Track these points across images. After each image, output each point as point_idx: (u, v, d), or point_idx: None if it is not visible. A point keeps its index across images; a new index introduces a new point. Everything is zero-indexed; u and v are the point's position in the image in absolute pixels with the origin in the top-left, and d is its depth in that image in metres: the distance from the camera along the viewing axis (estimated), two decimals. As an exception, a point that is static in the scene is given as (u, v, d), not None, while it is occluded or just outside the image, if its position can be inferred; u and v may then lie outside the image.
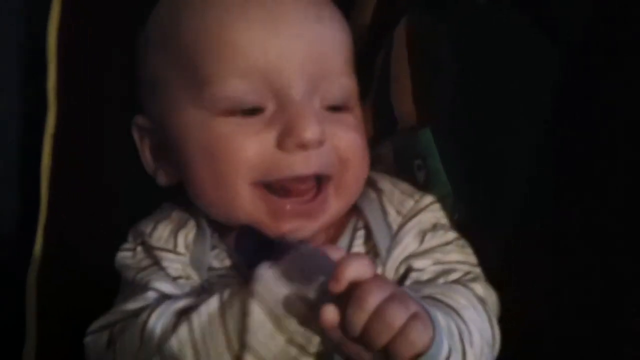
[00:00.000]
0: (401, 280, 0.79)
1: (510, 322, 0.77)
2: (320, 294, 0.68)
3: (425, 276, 0.79)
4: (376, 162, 0.86)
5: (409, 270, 0.79)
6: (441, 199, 0.84)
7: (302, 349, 0.69)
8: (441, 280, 0.78)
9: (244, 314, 0.69)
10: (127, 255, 0.83)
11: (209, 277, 0.80)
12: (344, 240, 0.81)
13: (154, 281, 0.78)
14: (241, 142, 0.77)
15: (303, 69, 0.78)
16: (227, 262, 0.81)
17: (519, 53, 0.82)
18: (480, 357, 0.73)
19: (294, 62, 0.78)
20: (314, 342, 0.69)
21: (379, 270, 0.78)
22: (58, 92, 0.94)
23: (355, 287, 0.64)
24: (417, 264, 0.79)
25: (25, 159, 0.96)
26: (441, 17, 0.86)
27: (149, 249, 0.82)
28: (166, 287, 0.78)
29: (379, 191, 0.84)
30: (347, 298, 0.64)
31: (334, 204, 0.80)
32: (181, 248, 0.82)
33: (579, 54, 0.79)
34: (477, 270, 0.80)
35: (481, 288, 0.78)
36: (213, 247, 0.82)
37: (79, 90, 0.95)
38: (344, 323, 0.64)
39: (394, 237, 0.80)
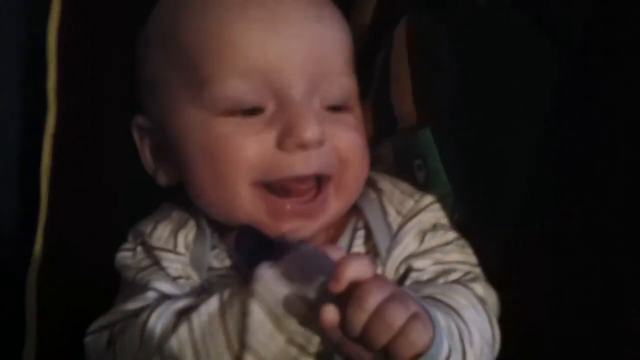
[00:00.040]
0: (401, 280, 0.79)
1: (510, 322, 0.77)
2: (320, 294, 0.68)
3: (425, 276, 0.79)
4: (376, 162, 0.86)
5: (409, 270, 0.79)
6: (441, 199, 0.84)
7: (302, 349, 0.69)
8: (441, 280, 0.78)
9: (244, 314, 0.69)
10: (127, 255, 0.83)
11: (209, 277, 0.80)
12: (344, 240, 0.81)
13: (154, 281, 0.78)
14: (241, 142, 0.77)
15: (303, 69, 0.78)
16: (227, 262, 0.81)
17: (519, 53, 0.82)
18: (480, 357, 0.73)
19: (294, 62, 0.78)
20: (314, 342, 0.69)
21: (379, 271, 0.78)
22: (58, 92, 0.94)
23: (355, 287, 0.64)
24: (417, 264, 0.79)
25: (25, 159, 0.96)
26: (441, 17, 0.86)
27: (149, 249, 0.82)
28: (166, 287, 0.78)
29: (379, 191, 0.84)
30: (347, 298, 0.64)
31: (334, 204, 0.80)
32: (181, 248, 0.82)
33: (579, 54, 0.79)
34: (477, 270, 0.80)
35: (481, 288, 0.78)
36: (213, 247, 0.82)
37: (79, 90, 0.95)
38: (344, 323, 0.64)
39: (394, 237, 0.80)
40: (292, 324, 0.69)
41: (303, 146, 0.76)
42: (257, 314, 0.69)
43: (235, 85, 0.77)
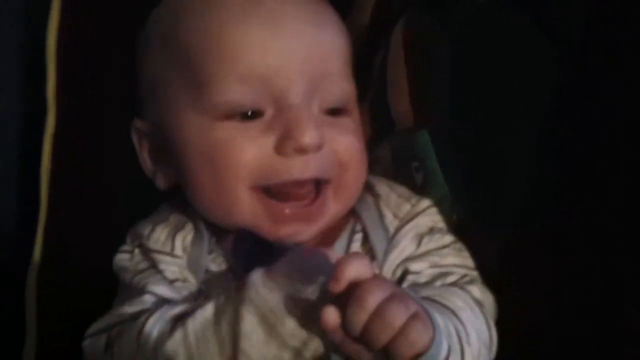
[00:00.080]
0: (398, 283, 0.79)
1: (509, 322, 0.77)
2: (319, 295, 0.68)
3: (422, 279, 0.79)
4: (374, 164, 0.86)
5: (405, 273, 0.79)
6: (439, 201, 0.84)
7: (297, 353, 0.69)
8: (438, 283, 0.78)
9: (236, 320, 0.69)
10: (125, 258, 0.83)
11: (206, 280, 0.80)
12: (341, 243, 0.81)
13: (150, 284, 0.78)
14: (240, 146, 0.77)
15: (302, 73, 0.78)
16: (224, 266, 0.81)
17: (519, 53, 0.82)
18: (478, 357, 0.73)
19: (293, 67, 0.78)
20: (310, 346, 0.69)
21: (376, 273, 0.78)
22: (58, 92, 0.94)
23: (355, 287, 0.64)
24: (414, 266, 0.79)
25: (25, 159, 0.96)
26: (441, 17, 0.87)
27: (147, 252, 0.82)
28: (163, 290, 0.78)
29: (376, 195, 0.84)
30: (346, 298, 0.64)
31: (333, 207, 0.80)
32: (178, 251, 0.82)
33: (579, 54, 0.79)
34: (474, 274, 0.80)
35: (478, 290, 0.78)
36: (210, 251, 0.81)
37: (79, 91, 0.95)
38: (344, 323, 0.64)
39: (391, 241, 0.80)
40: (287, 328, 0.68)
41: (302, 151, 0.76)
42: (249, 320, 0.69)
43: (235, 90, 0.77)
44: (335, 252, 0.70)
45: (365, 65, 0.90)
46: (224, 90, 0.77)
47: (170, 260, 0.81)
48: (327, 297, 0.66)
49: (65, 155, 0.94)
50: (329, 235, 0.81)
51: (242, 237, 0.79)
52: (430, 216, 0.83)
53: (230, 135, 0.77)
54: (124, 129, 0.86)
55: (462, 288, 0.77)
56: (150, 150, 0.85)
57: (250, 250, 0.77)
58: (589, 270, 0.76)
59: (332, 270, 0.65)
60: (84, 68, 0.95)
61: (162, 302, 0.76)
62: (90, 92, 0.95)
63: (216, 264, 0.81)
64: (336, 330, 0.64)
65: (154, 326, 0.73)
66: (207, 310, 0.71)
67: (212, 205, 0.80)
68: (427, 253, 0.80)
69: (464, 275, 0.79)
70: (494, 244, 0.82)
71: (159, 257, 0.81)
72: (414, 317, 0.64)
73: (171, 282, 0.79)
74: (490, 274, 0.80)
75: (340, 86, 0.81)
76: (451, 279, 0.78)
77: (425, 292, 0.75)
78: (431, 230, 0.81)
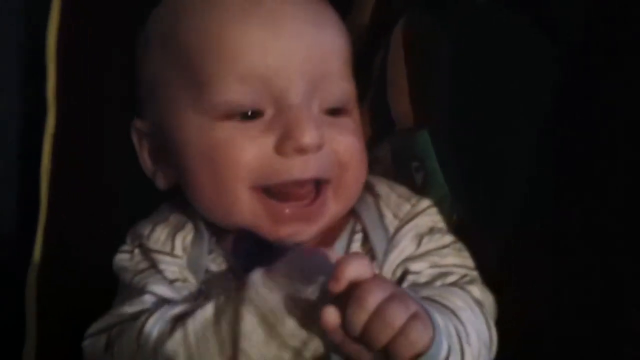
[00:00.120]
0: (398, 283, 0.79)
1: (510, 322, 0.77)
2: (319, 294, 0.68)
3: (422, 279, 0.79)
4: (374, 164, 0.86)
5: (405, 273, 0.79)
6: (439, 201, 0.84)
7: (297, 353, 0.69)
8: (438, 283, 0.78)
9: (236, 321, 0.69)
10: (125, 258, 0.83)
11: (206, 280, 0.80)
12: (341, 243, 0.81)
13: (150, 284, 0.78)
14: (240, 146, 0.77)
15: (302, 73, 0.78)
16: (224, 266, 0.81)
17: (519, 53, 0.82)
18: (478, 357, 0.73)
19: (293, 67, 0.78)
20: (310, 346, 0.69)
21: (376, 273, 0.78)
22: (58, 92, 0.94)
23: (355, 287, 0.64)
24: (414, 266, 0.79)
25: (25, 159, 0.96)
26: (441, 17, 0.86)
27: (146, 252, 0.82)
28: (163, 290, 0.78)
29: (376, 195, 0.84)
30: (346, 298, 0.64)
31: (333, 207, 0.80)
32: (178, 251, 0.82)
33: (579, 54, 0.79)
34: (474, 274, 0.80)
35: (478, 291, 0.78)
36: (210, 251, 0.81)
37: (79, 91, 0.95)
38: (344, 323, 0.64)
39: (391, 240, 0.80)
40: (287, 328, 0.68)
41: (302, 151, 0.76)
42: (249, 320, 0.69)
43: (235, 90, 0.77)
44: (335, 252, 0.70)
45: (365, 65, 0.90)
46: (224, 90, 0.77)
47: (170, 260, 0.81)
48: (327, 297, 0.66)
49: (65, 155, 0.94)
50: (329, 235, 0.81)
51: (242, 237, 0.79)
52: (430, 216, 0.83)
53: (230, 135, 0.77)
54: (124, 129, 0.86)
55: (462, 288, 0.77)
56: (150, 150, 0.85)
57: (250, 250, 0.77)
58: (589, 270, 0.76)
59: (332, 270, 0.65)
60: (84, 68, 0.95)
61: (162, 302, 0.76)
62: (90, 92, 0.95)
63: (216, 264, 0.81)
64: (336, 330, 0.64)
65: (154, 326, 0.73)
66: (207, 310, 0.71)
67: (212, 205, 0.80)
68: (427, 253, 0.80)
69: (464, 275, 0.79)
70: (494, 244, 0.82)
71: (159, 257, 0.81)
72: (414, 317, 0.64)
73: (171, 282, 0.79)
74: (490, 274, 0.80)
75: (340, 86, 0.81)
76: (451, 279, 0.78)
77: (425, 292, 0.75)
78: (431, 230, 0.81)
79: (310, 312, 0.67)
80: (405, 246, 0.80)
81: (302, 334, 0.68)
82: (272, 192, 0.78)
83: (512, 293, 0.79)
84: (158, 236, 0.83)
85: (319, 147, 0.77)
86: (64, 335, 0.90)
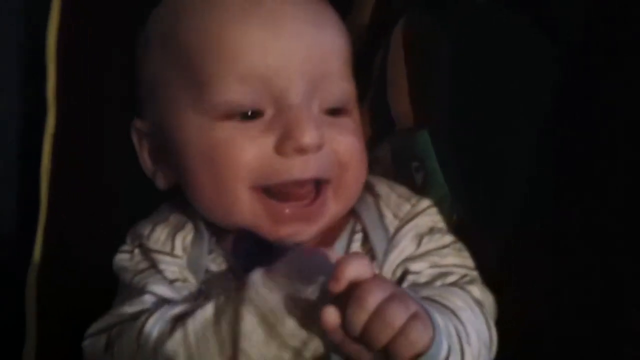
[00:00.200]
0: (398, 283, 0.79)
1: (510, 322, 0.77)
2: (319, 294, 0.68)
3: (422, 279, 0.79)
4: (374, 164, 0.86)
5: (405, 273, 0.79)
6: (439, 201, 0.84)
7: (297, 353, 0.69)
8: (438, 283, 0.78)
9: (236, 320, 0.69)
10: (125, 258, 0.83)
11: (206, 280, 0.80)
12: (341, 243, 0.81)
13: (150, 284, 0.78)
14: (240, 146, 0.77)
15: (302, 73, 0.78)
16: (224, 266, 0.81)
17: (519, 53, 0.82)
18: (478, 357, 0.73)
19: (293, 67, 0.78)
20: (310, 346, 0.68)
21: (376, 273, 0.78)
22: (58, 92, 0.94)
23: (354, 287, 0.64)
24: (414, 266, 0.79)
25: (25, 159, 0.96)
26: (441, 17, 0.86)
27: (146, 252, 0.82)
28: (163, 290, 0.78)
29: (376, 195, 0.84)
30: (346, 298, 0.64)
31: (333, 207, 0.80)
32: (178, 251, 0.82)
33: (579, 54, 0.79)
34: (474, 274, 0.80)
35: (478, 291, 0.78)
36: (210, 251, 0.81)
37: (79, 91, 0.95)
38: (344, 323, 0.64)
39: (391, 240, 0.80)
40: (287, 328, 0.68)
41: (302, 151, 0.76)
42: (249, 320, 0.69)
43: (235, 90, 0.77)
44: (335, 252, 0.70)
45: (365, 65, 0.90)
46: (224, 90, 0.77)
47: (170, 260, 0.81)
48: (327, 297, 0.66)
49: (65, 155, 0.94)
50: (329, 235, 0.81)
51: (242, 237, 0.79)
52: (430, 216, 0.83)
53: (230, 135, 0.77)
54: (124, 129, 0.86)
55: (462, 288, 0.77)
56: (150, 150, 0.85)
57: (250, 250, 0.77)
58: (589, 270, 0.76)
59: (332, 270, 0.65)
60: (84, 68, 0.95)
61: (162, 302, 0.76)
62: (90, 92, 0.95)
63: (216, 264, 0.81)
64: (336, 330, 0.64)
65: (154, 326, 0.73)
66: (207, 310, 0.71)
67: (212, 205, 0.80)
68: (427, 253, 0.80)
69: (464, 275, 0.79)
70: (494, 244, 0.82)
71: (159, 257, 0.81)
72: (414, 317, 0.64)
73: (171, 282, 0.79)
74: (490, 274, 0.80)
75: (340, 86, 0.81)
76: (451, 279, 0.78)
77: (425, 292, 0.75)
78: (431, 231, 0.81)
79: (310, 312, 0.67)
80: (405, 246, 0.80)
81: (302, 334, 0.68)
82: (272, 192, 0.78)
83: (512, 293, 0.79)
84: (158, 236, 0.83)
85: (319, 147, 0.77)
86: (64, 335, 0.90)
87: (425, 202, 0.83)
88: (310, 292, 0.68)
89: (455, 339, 0.70)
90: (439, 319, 0.68)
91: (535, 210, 0.81)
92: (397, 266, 0.79)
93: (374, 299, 0.63)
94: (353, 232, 0.82)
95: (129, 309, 0.76)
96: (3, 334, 0.94)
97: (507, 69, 0.82)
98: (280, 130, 0.77)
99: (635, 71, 0.75)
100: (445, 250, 0.80)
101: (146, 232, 0.83)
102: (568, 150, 0.79)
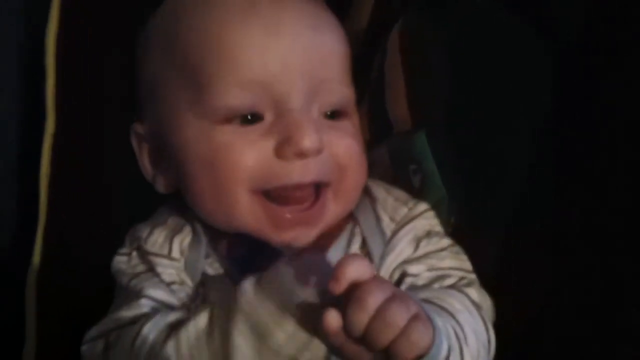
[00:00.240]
0: (396, 286, 0.79)
1: (510, 322, 0.77)
2: (319, 297, 0.67)
3: (420, 282, 0.79)
4: (372, 167, 0.86)
5: (403, 275, 0.79)
6: (436, 204, 0.84)
7: None
8: (436, 286, 0.78)
9: (227, 332, 0.69)
10: (122, 260, 0.83)
11: (203, 283, 0.80)
12: (340, 246, 0.81)
13: (147, 288, 0.78)
14: (240, 150, 0.77)
15: (302, 77, 0.78)
16: (221, 270, 0.80)
17: (518, 53, 0.82)
18: (477, 358, 0.73)
19: (292, 71, 0.78)
20: (306, 354, 0.68)
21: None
22: (57, 92, 0.94)
23: (355, 288, 0.64)
24: (412, 269, 0.79)
25: (25, 159, 0.96)
26: (440, 17, 0.86)
27: (144, 254, 0.82)
28: (160, 294, 0.78)
29: (373, 198, 0.84)
30: (346, 300, 0.64)
31: (333, 210, 0.80)
32: (176, 253, 0.81)
33: (579, 54, 0.79)
34: (472, 276, 0.80)
35: (476, 293, 0.78)
36: (207, 255, 0.81)
37: (79, 91, 0.95)
38: (344, 325, 0.64)
39: (388, 244, 0.80)
40: (280, 337, 0.68)
41: (301, 155, 0.76)
42: (241, 331, 0.69)
43: (235, 94, 0.77)
44: (330, 255, 0.70)
45: (363, 67, 0.90)
46: (224, 94, 0.77)
47: (168, 262, 0.81)
48: (326, 300, 0.65)
49: (65, 155, 0.94)
50: (328, 238, 0.81)
51: (237, 241, 0.79)
52: (427, 220, 0.83)
53: (230, 139, 0.77)
54: (124, 130, 0.86)
55: (460, 291, 0.77)
56: (149, 154, 0.85)
57: (245, 255, 0.77)
58: (589, 270, 0.76)
59: (327, 273, 0.65)
60: (83, 68, 0.95)
61: (159, 306, 0.76)
62: (90, 93, 0.95)
63: (213, 268, 0.81)
64: (338, 333, 0.64)
65: (148, 334, 0.73)
66: (200, 321, 0.71)
67: (212, 209, 0.80)
68: (425, 256, 0.80)
69: (462, 278, 0.79)
70: (492, 244, 0.82)
71: (157, 260, 0.81)
72: (415, 317, 0.64)
73: (168, 284, 0.79)
74: (490, 274, 0.80)
75: (340, 90, 0.82)
76: (449, 281, 0.78)
77: (423, 294, 0.75)
78: (428, 234, 0.82)
79: (308, 316, 0.67)
80: (402, 249, 0.80)
81: (297, 341, 0.68)
82: (272, 195, 0.78)
83: (511, 293, 0.79)
84: (156, 239, 0.82)
85: (318, 151, 0.77)
86: (64, 336, 0.90)
87: (422, 206, 0.83)
88: (307, 295, 0.68)
89: (454, 340, 0.70)
90: (438, 320, 0.68)
91: (534, 210, 0.81)
92: (395, 269, 0.79)
93: (374, 299, 0.63)
94: (352, 235, 0.81)
95: (126, 313, 0.76)
96: (3, 334, 0.94)
97: (506, 68, 0.82)
98: (280, 134, 0.77)
99: (635, 71, 0.75)
100: (443, 253, 0.80)
101: (144, 234, 0.83)
102: (568, 150, 0.79)
